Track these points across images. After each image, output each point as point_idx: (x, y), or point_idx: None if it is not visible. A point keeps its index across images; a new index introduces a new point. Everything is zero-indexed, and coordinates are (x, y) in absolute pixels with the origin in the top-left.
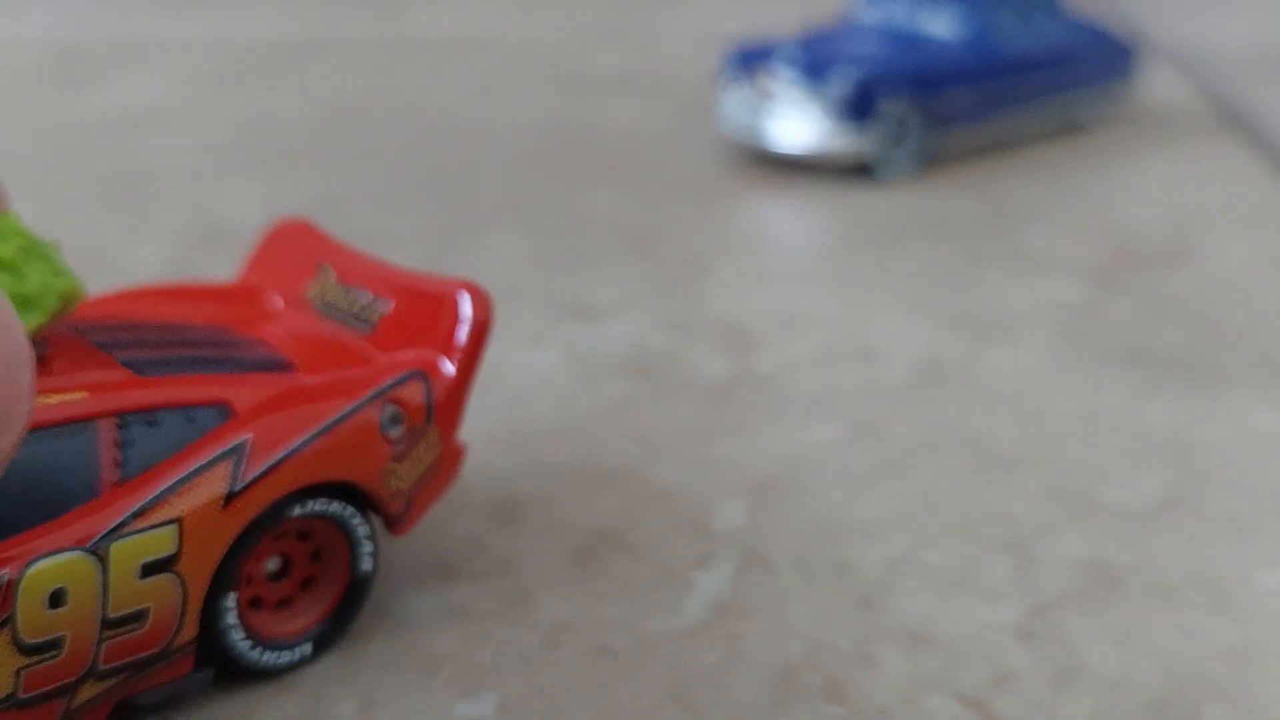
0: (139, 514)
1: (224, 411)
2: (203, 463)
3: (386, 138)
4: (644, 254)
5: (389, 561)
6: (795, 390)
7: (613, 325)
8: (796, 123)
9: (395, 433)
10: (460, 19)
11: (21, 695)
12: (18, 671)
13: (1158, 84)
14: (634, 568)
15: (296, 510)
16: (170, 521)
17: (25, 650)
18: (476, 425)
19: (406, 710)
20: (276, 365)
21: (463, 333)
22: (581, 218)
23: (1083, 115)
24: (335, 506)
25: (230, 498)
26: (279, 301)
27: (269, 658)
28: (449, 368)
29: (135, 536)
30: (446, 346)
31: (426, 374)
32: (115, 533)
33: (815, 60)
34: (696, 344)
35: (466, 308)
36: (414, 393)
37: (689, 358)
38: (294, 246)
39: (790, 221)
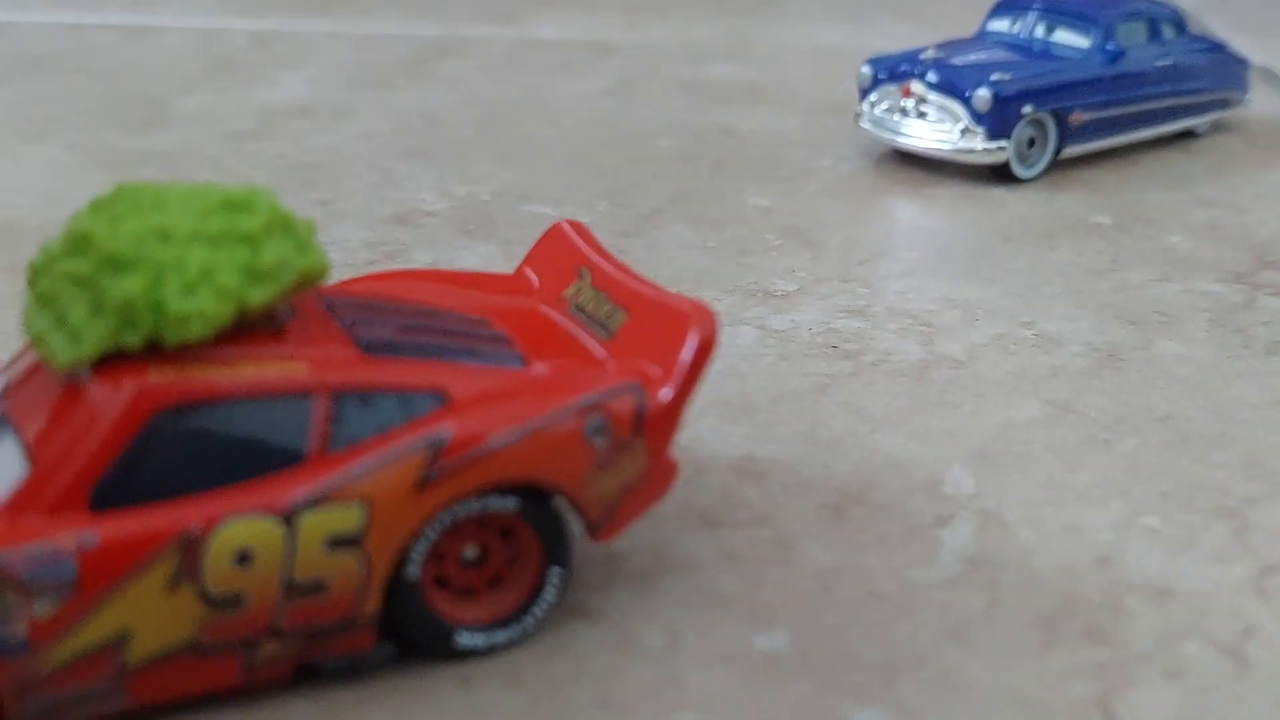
0: (332, 489)
1: (439, 399)
2: (403, 448)
3: (538, 135)
4: (810, 247)
5: (660, 509)
6: (988, 372)
7: (799, 310)
8: (938, 128)
9: (599, 442)
10: (575, 27)
11: (204, 644)
12: (201, 621)
13: (1262, 97)
14: (880, 524)
15: (491, 504)
16: (361, 500)
17: (210, 602)
18: (707, 395)
19: (710, 641)
20: (511, 361)
21: (686, 352)
22: (743, 213)
23: (1198, 125)
24: (529, 507)
25: (422, 485)
26: (541, 299)
27: (456, 639)
28: (666, 386)
29: (325, 510)
30: (668, 363)
31: (640, 388)
32: (306, 504)
33: (957, 70)
34: (882, 329)
35: (692, 328)
36: (625, 405)
37: (879, 341)
38: (563, 247)
39: (939, 220)
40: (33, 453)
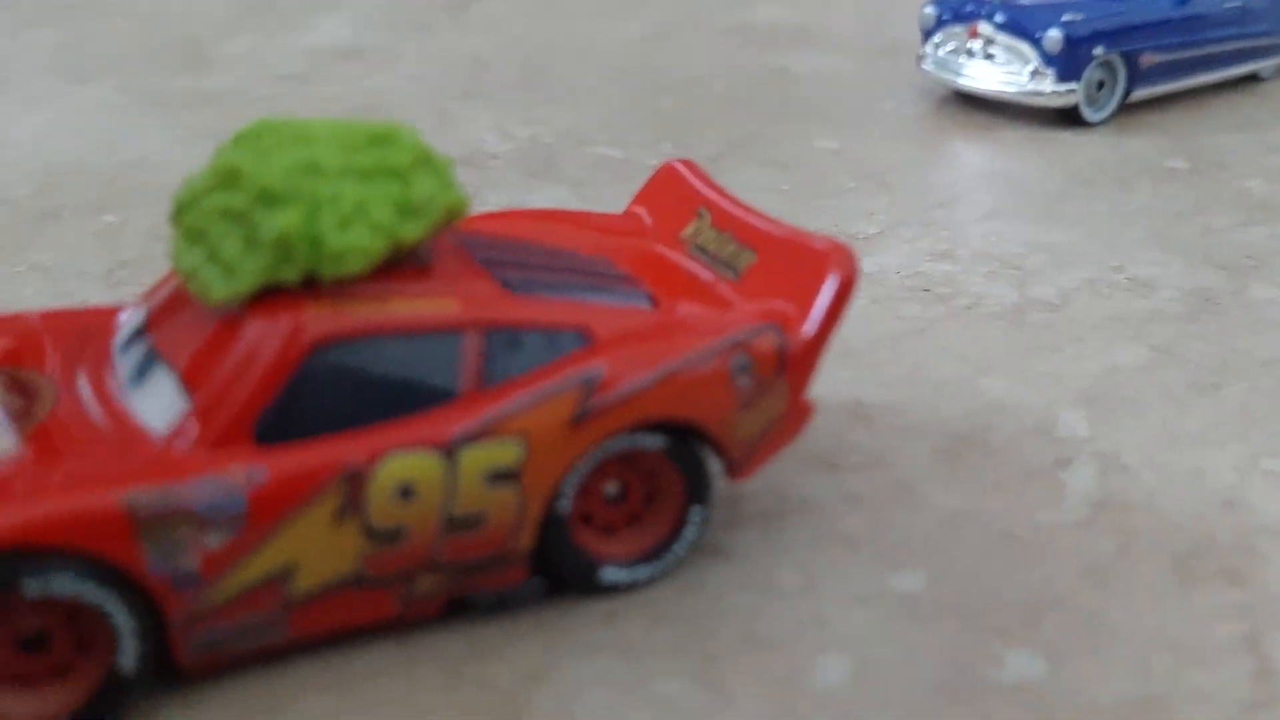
0: (492, 424)
1: (584, 338)
2: (557, 385)
3: (589, 77)
4: (885, 189)
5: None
6: (1085, 316)
7: (884, 253)
8: (1006, 70)
9: (743, 382)
10: None
11: (365, 577)
12: (363, 554)
13: None
14: (998, 468)
15: (640, 442)
16: (519, 436)
17: (372, 535)
18: None
19: (845, 581)
20: (644, 300)
21: (826, 291)
22: (812, 154)
23: (1263, 69)
24: (674, 445)
25: (577, 421)
26: (657, 239)
27: (602, 575)
28: (807, 325)
29: (485, 445)
30: (806, 303)
31: (782, 328)
32: (468, 438)
33: (1026, 11)
34: (971, 272)
35: (832, 268)
36: (767, 345)
37: (969, 284)
38: (678, 187)
39: (1012, 163)
40: (190, 387)
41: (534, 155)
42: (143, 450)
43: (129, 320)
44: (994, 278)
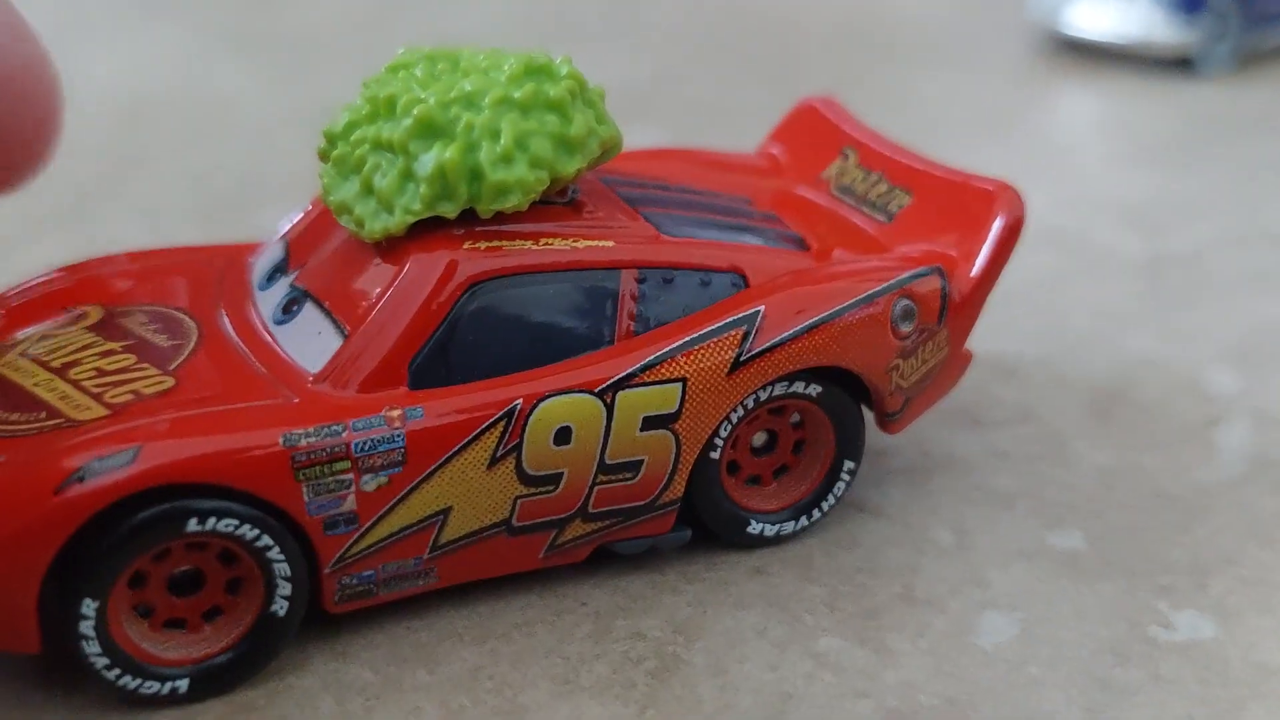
0: (649, 368)
1: (738, 280)
2: (715, 328)
3: (678, 20)
4: (995, 135)
5: None
6: (1224, 268)
7: None
8: (1124, 14)
9: (906, 328)
10: None
11: (515, 523)
12: (516, 500)
13: None
14: (1149, 424)
15: (795, 389)
16: (676, 380)
17: (526, 480)
18: None
19: (1001, 539)
20: (792, 242)
21: (992, 234)
22: (918, 99)
23: None
24: (828, 394)
25: (735, 366)
26: (797, 180)
27: (750, 527)
28: (973, 268)
29: (643, 389)
30: (970, 246)
31: (945, 273)
32: (625, 382)
33: None
34: (1099, 222)
35: (1000, 208)
36: (930, 290)
37: (1099, 234)
38: (819, 125)
39: (1127, 110)
40: (343, 325)
41: (628, 98)
42: (298, 389)
43: (268, 256)
44: (1123, 229)
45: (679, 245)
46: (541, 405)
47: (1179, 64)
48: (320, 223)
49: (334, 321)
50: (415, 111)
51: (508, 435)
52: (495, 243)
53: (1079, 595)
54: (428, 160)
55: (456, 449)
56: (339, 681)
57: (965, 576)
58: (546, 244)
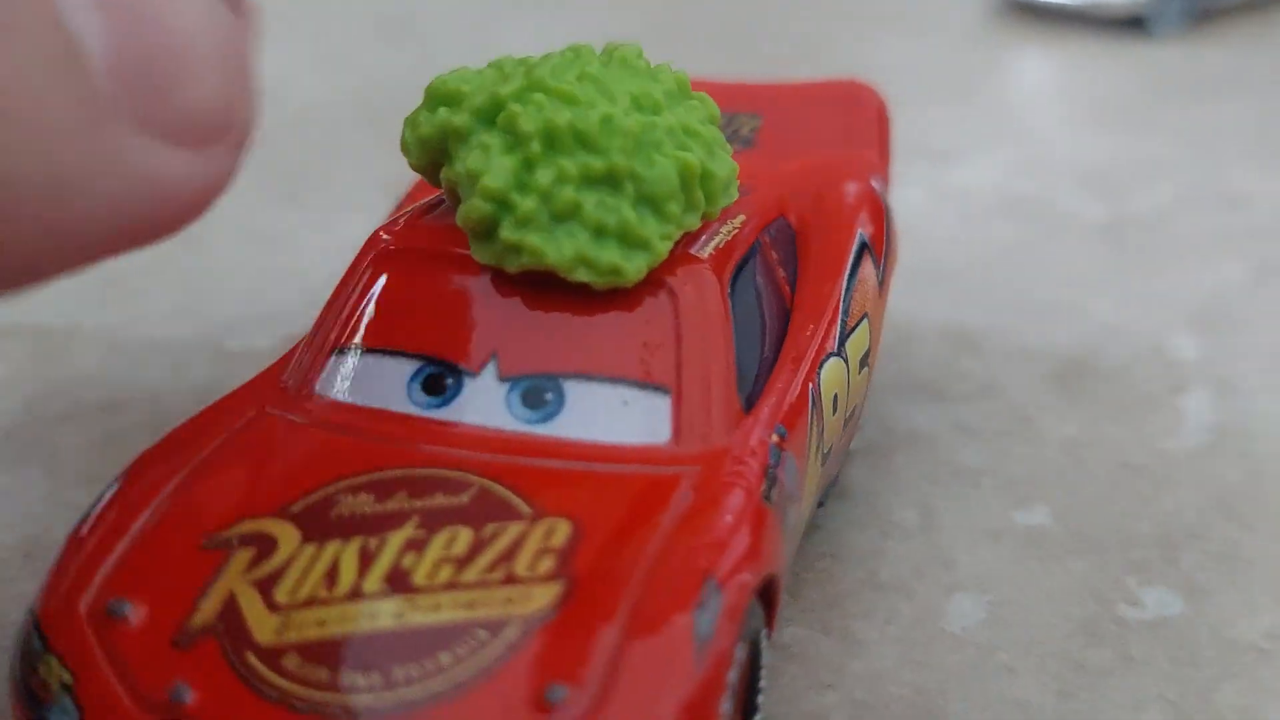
0: (852, 314)
1: (786, 223)
2: (856, 262)
3: None
4: (957, 100)
5: (877, 383)
6: (1182, 232)
7: (968, 168)
8: None
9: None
10: None
11: (818, 501)
12: (818, 483)
13: None
14: (1114, 393)
15: None
16: (864, 317)
17: (824, 458)
18: (905, 264)
19: (968, 518)
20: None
21: (875, 128)
22: (876, 65)
23: None
24: None
25: (880, 285)
26: None
27: None
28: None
29: (854, 334)
30: (865, 144)
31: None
32: (846, 334)
33: None
34: (1059, 187)
35: (870, 102)
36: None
37: (1060, 200)
38: None
39: (1085, 73)
40: (653, 382)
41: None
42: (681, 460)
43: (379, 371)
44: (1085, 193)
45: (765, 200)
46: (822, 378)
47: (1132, 24)
48: (451, 306)
49: (633, 384)
50: (615, 136)
51: (815, 416)
52: (709, 241)
53: (1047, 574)
54: (662, 176)
55: (803, 439)
56: None
57: (932, 558)
58: (732, 225)
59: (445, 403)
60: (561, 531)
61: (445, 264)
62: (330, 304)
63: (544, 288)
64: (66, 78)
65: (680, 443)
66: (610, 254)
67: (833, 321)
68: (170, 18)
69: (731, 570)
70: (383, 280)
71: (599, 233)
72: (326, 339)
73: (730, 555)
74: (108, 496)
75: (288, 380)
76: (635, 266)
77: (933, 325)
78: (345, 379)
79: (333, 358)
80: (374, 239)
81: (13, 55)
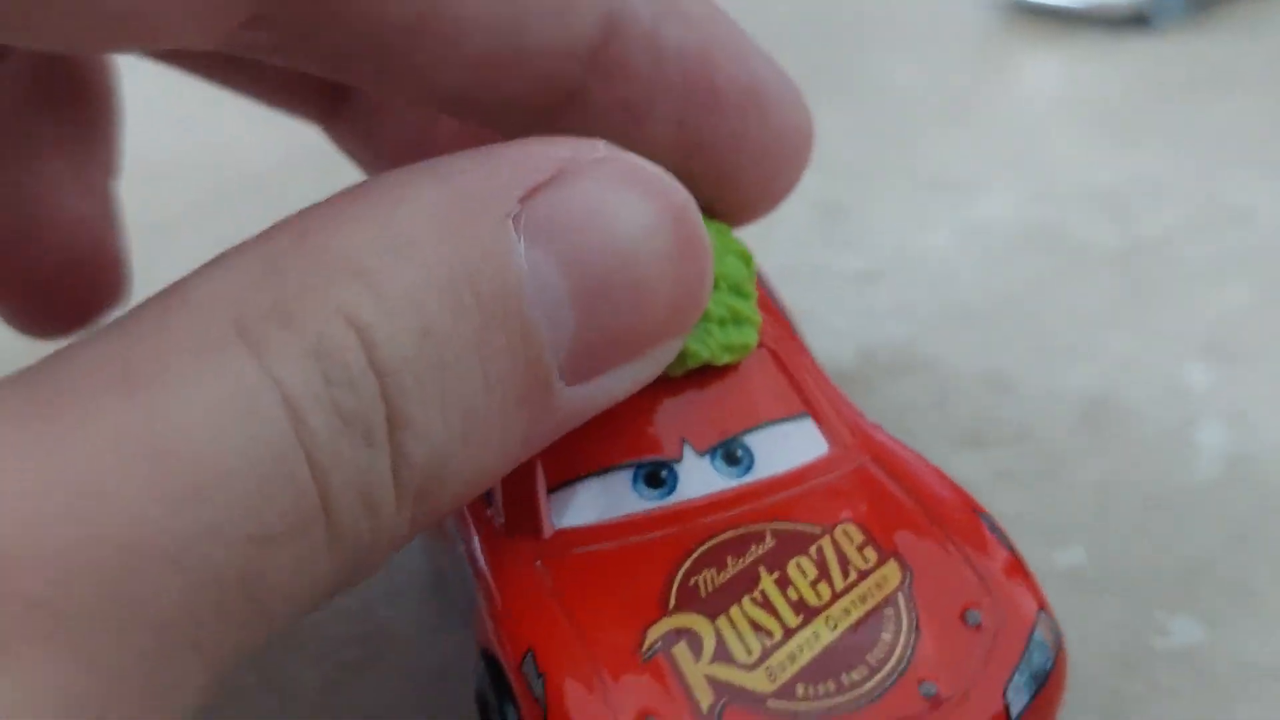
0: None
1: None
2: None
3: None
4: (963, 121)
5: (919, 430)
6: (1193, 254)
7: (986, 199)
8: None
9: None
10: None
11: None
12: None
13: None
14: (1133, 429)
15: None
16: None
17: None
18: (924, 311)
19: None
20: None
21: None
22: (881, 87)
23: None
24: None
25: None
26: None
27: None
28: None
29: None
30: None
31: None
32: None
33: None
34: (1072, 212)
35: None
36: None
37: (1076, 228)
38: None
39: (1087, 76)
40: (800, 412)
41: None
42: (850, 458)
43: (627, 480)
44: (1096, 218)
45: None
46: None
47: (1135, 21)
48: (629, 418)
49: (785, 420)
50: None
51: None
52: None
53: (1085, 610)
54: (734, 267)
55: None
56: None
57: None
58: None
59: (671, 490)
60: (852, 531)
61: None
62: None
63: (678, 379)
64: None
65: (835, 446)
66: (739, 335)
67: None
68: (619, 244)
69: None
70: None
71: (721, 323)
72: (532, 483)
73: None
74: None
75: (500, 526)
76: (755, 339)
77: (969, 369)
78: (577, 506)
79: (556, 495)
80: None
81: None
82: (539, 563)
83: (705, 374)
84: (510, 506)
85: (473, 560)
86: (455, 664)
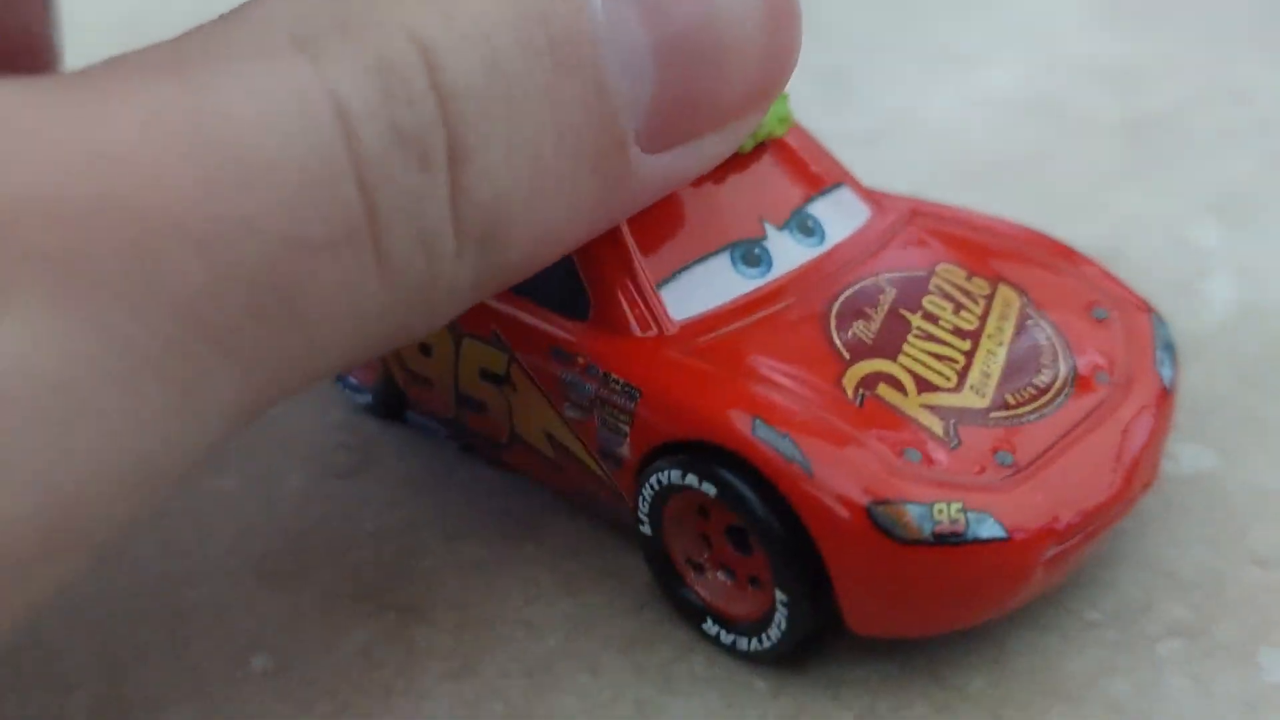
0: None
1: None
2: None
3: None
4: (970, 6)
5: None
6: (1196, 127)
7: (991, 70)
8: None
9: None
10: None
11: None
12: None
13: None
14: (1144, 280)
15: None
16: None
17: None
18: (926, 171)
19: None
20: None
21: None
22: None
23: None
24: None
25: None
26: None
27: None
28: None
29: None
30: None
31: None
32: None
33: None
34: (1079, 86)
35: None
36: None
37: (1080, 99)
38: None
39: None
40: (866, 205)
41: None
42: (899, 208)
43: (726, 263)
44: (1102, 90)
45: None
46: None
47: None
48: (704, 203)
49: (832, 190)
50: None
51: None
52: None
53: None
54: None
55: None
56: (458, 561)
57: None
58: None
59: (770, 266)
60: (951, 268)
61: None
62: (599, 253)
63: (724, 167)
64: (602, 125)
65: (876, 209)
66: (781, 107)
67: None
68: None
69: None
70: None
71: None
72: (634, 281)
73: None
74: None
75: (636, 330)
76: (789, 109)
77: None
78: (690, 297)
79: (663, 290)
80: None
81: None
82: (677, 354)
83: (751, 155)
84: (615, 306)
85: (601, 379)
86: (440, 477)
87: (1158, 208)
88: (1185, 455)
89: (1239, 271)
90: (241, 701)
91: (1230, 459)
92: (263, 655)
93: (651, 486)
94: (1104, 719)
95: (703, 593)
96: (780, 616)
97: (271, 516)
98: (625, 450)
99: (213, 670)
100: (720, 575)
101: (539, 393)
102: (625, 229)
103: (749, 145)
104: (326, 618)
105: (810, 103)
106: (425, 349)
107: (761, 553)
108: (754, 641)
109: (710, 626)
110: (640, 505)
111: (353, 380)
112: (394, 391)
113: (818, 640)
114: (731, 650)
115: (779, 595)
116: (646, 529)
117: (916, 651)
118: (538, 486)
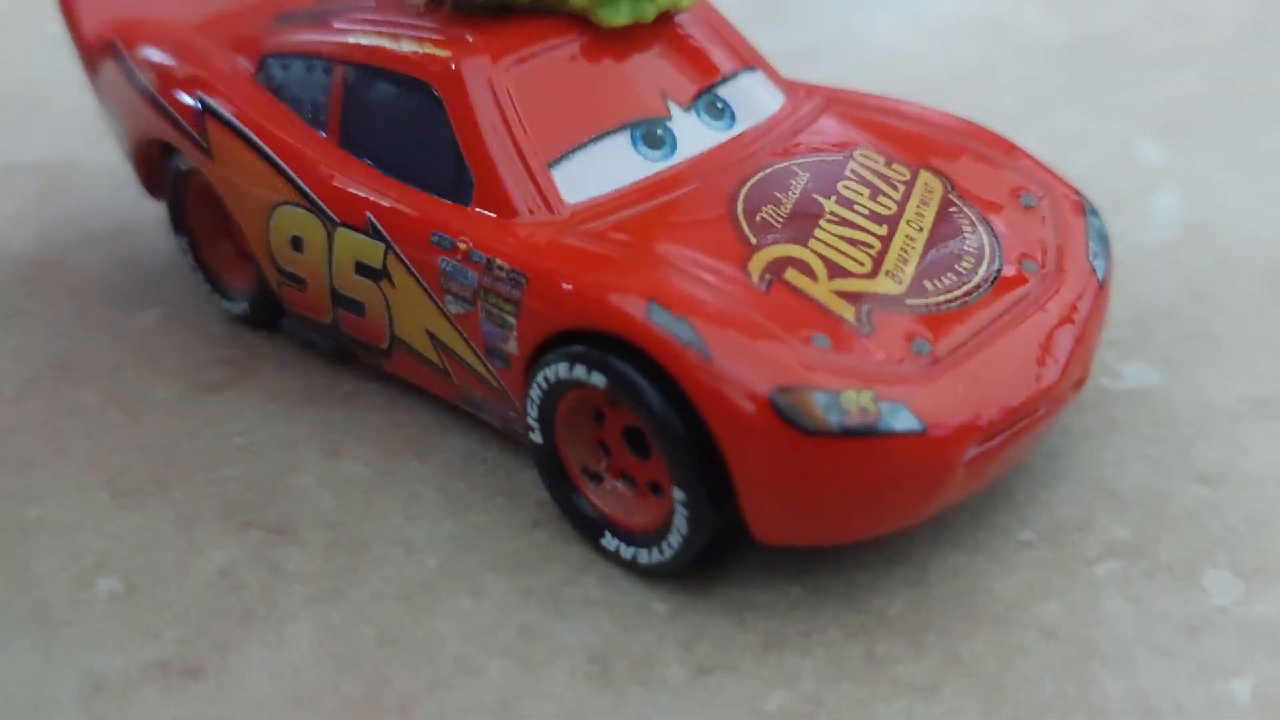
0: None
1: None
2: None
3: None
4: None
5: None
6: (1144, 48)
7: None
8: None
9: None
10: None
11: None
12: None
13: None
14: (1088, 192)
15: None
16: None
17: None
18: (864, 86)
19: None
20: None
21: None
22: None
23: None
24: None
25: None
26: None
27: None
28: None
29: None
30: None
31: None
32: None
33: None
34: (1023, 6)
35: None
36: None
37: (1025, 18)
38: None
39: None
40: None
41: None
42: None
43: (625, 143)
44: (1048, 13)
45: None
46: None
47: None
48: (598, 80)
49: (740, 73)
50: None
51: None
52: None
53: None
54: None
55: None
56: (335, 478)
57: None
58: None
59: (673, 149)
60: (870, 154)
61: (556, 50)
62: (482, 129)
63: (626, 41)
64: None
65: (789, 95)
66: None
67: None
68: None
69: None
70: (520, 88)
71: None
72: (523, 160)
73: None
74: None
75: (524, 213)
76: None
77: None
78: (585, 179)
79: (554, 171)
80: (463, 61)
81: None
82: (570, 239)
83: (657, 31)
84: (500, 188)
85: (484, 266)
86: (322, 390)
87: (1103, 125)
88: (1128, 371)
89: (1186, 189)
90: (83, 626)
91: (1174, 374)
92: (110, 577)
93: (540, 385)
94: (1036, 643)
95: (600, 503)
96: (680, 519)
97: (132, 432)
98: (512, 345)
99: (54, 593)
100: (619, 484)
101: (418, 286)
102: (511, 102)
103: (650, 11)
104: (184, 537)
105: (745, 18)
106: (296, 242)
107: (659, 452)
108: (654, 552)
109: (609, 541)
110: (528, 408)
111: (228, 290)
112: (268, 296)
113: (721, 555)
114: (632, 566)
115: (677, 494)
116: (537, 436)
117: (829, 574)
118: (428, 401)
